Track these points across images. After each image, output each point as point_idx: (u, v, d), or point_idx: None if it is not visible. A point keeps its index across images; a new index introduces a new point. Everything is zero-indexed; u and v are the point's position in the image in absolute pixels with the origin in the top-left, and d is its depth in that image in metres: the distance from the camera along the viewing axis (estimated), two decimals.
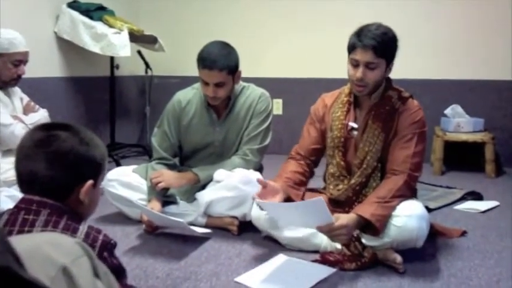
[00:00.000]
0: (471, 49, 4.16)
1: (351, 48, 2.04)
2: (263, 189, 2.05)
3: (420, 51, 4.24)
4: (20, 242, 0.40)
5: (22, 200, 1.15)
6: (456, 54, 4.21)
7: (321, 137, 2.28)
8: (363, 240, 2.03)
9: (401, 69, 3.90)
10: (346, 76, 2.11)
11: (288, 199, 2.10)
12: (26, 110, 2.78)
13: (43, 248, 0.69)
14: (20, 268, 0.37)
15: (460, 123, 3.94)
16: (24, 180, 1.16)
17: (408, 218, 1.95)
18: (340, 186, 2.18)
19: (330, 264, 2.01)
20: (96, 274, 0.75)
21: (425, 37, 4.24)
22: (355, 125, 2.16)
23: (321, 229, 1.88)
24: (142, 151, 4.46)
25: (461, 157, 4.06)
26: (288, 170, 2.23)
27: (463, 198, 3.13)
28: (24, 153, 1.16)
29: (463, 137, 3.88)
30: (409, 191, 2.08)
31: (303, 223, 2.03)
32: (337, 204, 2.15)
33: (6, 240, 0.38)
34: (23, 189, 1.17)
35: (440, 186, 3.42)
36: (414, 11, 4.26)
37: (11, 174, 2.45)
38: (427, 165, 3.96)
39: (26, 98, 2.85)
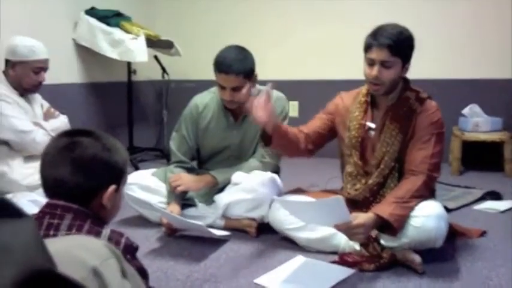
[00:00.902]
0: (489, 48, 4.12)
1: (367, 48, 2.05)
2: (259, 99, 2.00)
3: (438, 50, 4.22)
4: (50, 246, 0.42)
5: (47, 205, 1.18)
6: (474, 53, 4.17)
7: (329, 125, 2.29)
8: (382, 241, 2.03)
9: (419, 69, 3.89)
10: (362, 77, 2.12)
11: (264, 133, 2.10)
12: (47, 116, 2.84)
13: (74, 251, 0.71)
14: (56, 269, 0.39)
15: (478, 123, 3.91)
16: (49, 185, 1.19)
17: (426, 218, 1.95)
18: (358, 186, 2.19)
19: (349, 265, 2.02)
20: (124, 275, 0.77)
21: (443, 36, 4.22)
22: (372, 125, 2.17)
23: (338, 227, 1.90)
24: (160, 155, 4.51)
25: (480, 157, 4.03)
26: (288, 127, 2.22)
27: (482, 198, 3.11)
28: (49, 160, 1.19)
29: (482, 136, 3.85)
30: (427, 192, 2.08)
31: (321, 221, 2.05)
32: (355, 205, 2.15)
33: (42, 242, 0.40)
34: (47, 194, 1.20)
35: (459, 186, 3.40)
36: (432, 11, 4.24)
37: (33, 180, 2.51)
38: (445, 165, 3.94)
39: (46, 105, 2.91)
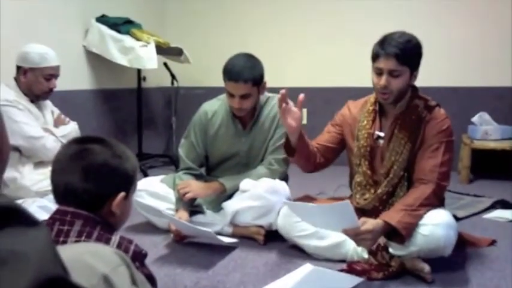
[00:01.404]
0: (499, 56, 4.11)
1: (375, 57, 2.05)
2: (284, 105, 2.03)
3: (446, 58, 4.21)
4: (62, 253, 0.43)
5: (57, 211, 1.19)
6: (483, 61, 4.16)
7: (339, 138, 2.29)
8: (390, 250, 2.03)
9: (428, 76, 3.89)
10: (370, 85, 2.12)
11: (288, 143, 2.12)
12: (57, 123, 2.86)
13: (84, 258, 0.72)
14: (69, 277, 0.40)
15: (487, 131, 3.89)
16: (60, 192, 1.20)
17: (435, 226, 1.94)
18: (367, 196, 2.18)
19: (357, 273, 2.01)
20: (134, 282, 0.78)
21: (452, 44, 4.21)
22: (381, 134, 2.16)
23: (346, 232, 1.89)
24: (169, 161, 4.52)
25: (489, 165, 4.00)
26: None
27: (491, 207, 3.09)
28: (59, 166, 1.20)
29: (491, 144, 3.83)
30: (436, 201, 2.07)
31: (328, 225, 2.05)
32: (364, 214, 2.15)
33: (56, 250, 0.41)
34: (58, 200, 1.21)
35: (468, 195, 3.38)
36: (441, 19, 4.24)
37: (44, 185, 2.53)
38: (455, 174, 3.92)
39: (56, 111, 2.93)
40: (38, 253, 0.38)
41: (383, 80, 2.02)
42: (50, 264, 0.39)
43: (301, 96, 2.05)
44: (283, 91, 2.02)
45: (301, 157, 2.17)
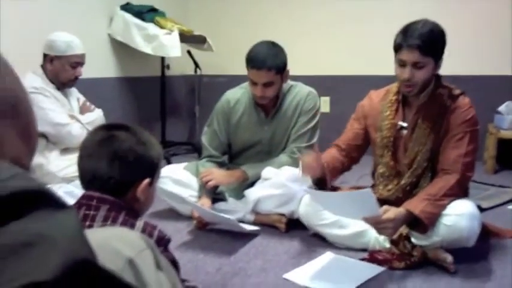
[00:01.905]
0: None
1: (397, 48, 2.01)
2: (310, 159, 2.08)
3: (474, 46, 4.13)
4: (89, 236, 0.45)
5: (83, 196, 1.22)
6: (511, 49, 4.07)
7: (363, 134, 2.27)
8: (413, 239, 2.02)
9: (454, 65, 3.83)
10: (394, 73, 2.10)
11: (320, 180, 2.14)
12: (83, 110, 2.91)
13: (110, 242, 0.74)
14: (97, 261, 0.41)
15: None
16: (86, 177, 1.23)
17: (459, 217, 1.92)
18: (390, 187, 2.17)
19: (379, 263, 2.01)
20: (159, 266, 0.79)
21: (479, 32, 4.13)
22: (404, 124, 2.14)
23: (367, 220, 1.88)
24: (192, 149, 4.56)
25: None
26: (328, 155, 2.25)
27: None
28: (86, 152, 1.23)
29: None
30: (461, 191, 2.04)
31: (349, 213, 2.03)
32: (386, 204, 2.14)
33: (84, 234, 0.42)
34: (84, 186, 1.24)
35: (493, 185, 3.33)
36: (469, 6, 4.15)
37: (70, 171, 2.57)
38: (480, 164, 3.86)
39: (82, 98, 2.98)
40: (66, 236, 0.39)
41: (406, 72, 1.98)
42: (78, 247, 0.40)
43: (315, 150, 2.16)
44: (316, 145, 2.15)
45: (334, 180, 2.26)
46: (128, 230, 0.86)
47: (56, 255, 0.37)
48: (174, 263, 1.28)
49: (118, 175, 1.20)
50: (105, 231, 0.86)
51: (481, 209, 2.55)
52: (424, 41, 1.94)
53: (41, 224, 0.39)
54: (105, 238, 0.75)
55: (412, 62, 1.97)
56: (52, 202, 0.42)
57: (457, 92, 2.11)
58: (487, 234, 2.25)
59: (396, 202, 2.12)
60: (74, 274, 0.37)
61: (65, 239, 0.39)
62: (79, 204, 1.21)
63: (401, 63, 2.01)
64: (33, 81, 2.68)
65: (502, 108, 3.90)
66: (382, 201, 2.16)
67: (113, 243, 0.74)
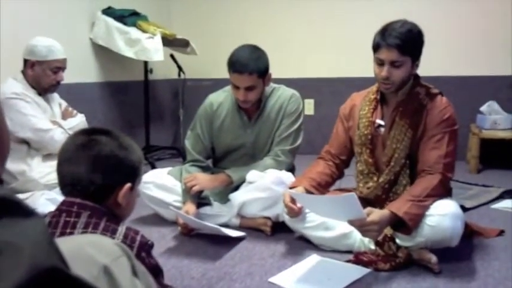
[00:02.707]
0: (508, 44, 4.07)
1: (376, 48, 2.04)
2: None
3: (455, 47, 4.18)
4: (62, 244, 0.43)
5: (63, 203, 1.20)
6: (492, 49, 4.12)
7: (348, 136, 2.29)
8: (397, 240, 2.02)
9: (436, 66, 3.87)
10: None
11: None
12: (65, 115, 2.87)
13: (85, 249, 0.73)
14: (66, 268, 0.40)
15: (496, 120, 3.86)
16: (66, 183, 1.21)
17: (442, 217, 1.93)
18: (370, 184, 2.18)
19: (364, 264, 2.01)
20: (135, 273, 0.78)
21: (461, 33, 4.18)
22: (382, 122, 2.16)
23: (352, 223, 1.89)
24: (177, 153, 4.54)
25: (498, 155, 3.97)
26: (314, 171, 2.26)
27: (500, 197, 3.07)
28: (66, 157, 1.21)
29: (500, 134, 3.80)
30: (444, 191, 2.06)
31: (334, 216, 2.05)
32: (368, 204, 2.15)
33: (52, 241, 0.41)
34: (64, 191, 1.22)
35: (476, 185, 3.36)
36: (449, 7, 4.20)
37: (52, 178, 2.54)
38: (463, 163, 3.91)
39: (64, 104, 2.95)
40: (34, 244, 0.38)
41: (384, 71, 2.01)
42: (46, 255, 0.39)
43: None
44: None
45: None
46: (104, 237, 0.84)
47: (22, 264, 0.36)
48: (158, 269, 1.27)
49: (99, 180, 1.19)
50: (79, 238, 0.85)
51: (465, 209, 2.58)
52: (403, 40, 1.97)
53: (7, 232, 0.38)
54: (80, 245, 0.74)
55: (390, 60, 2.00)
56: (20, 210, 0.41)
57: (435, 91, 2.14)
58: (470, 234, 2.27)
59: (376, 200, 2.14)
60: (41, 282, 0.36)
61: (31, 247, 0.38)
62: (59, 211, 1.19)
63: (379, 62, 2.04)
64: (13, 87, 2.65)
65: (484, 108, 3.95)
66: (362, 200, 2.17)
67: (88, 250, 0.73)
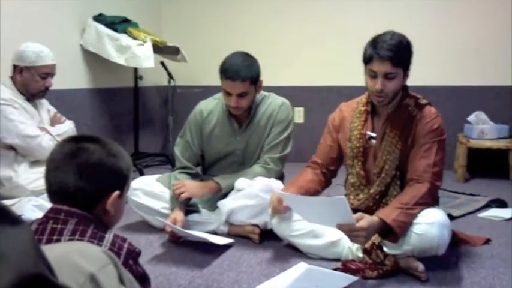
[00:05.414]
0: (495, 55, 4.12)
1: (368, 60, 2.04)
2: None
3: (443, 57, 4.22)
4: (49, 251, 0.43)
5: (51, 210, 1.20)
6: (480, 60, 4.17)
7: (336, 147, 2.30)
8: (385, 248, 2.03)
9: (425, 75, 3.90)
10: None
11: None
12: (53, 122, 2.86)
13: (71, 257, 0.72)
14: (51, 276, 0.40)
15: (483, 130, 3.90)
16: (54, 190, 1.20)
17: (429, 225, 1.94)
18: (361, 196, 2.19)
19: (352, 272, 2.01)
20: (122, 281, 0.78)
21: (448, 43, 4.22)
22: (373, 134, 2.17)
23: (340, 227, 1.89)
24: (166, 160, 4.52)
25: (485, 164, 4.01)
26: (302, 179, 2.27)
27: (487, 206, 3.09)
28: (54, 165, 1.21)
29: (487, 143, 3.84)
30: (431, 199, 2.08)
31: (322, 219, 2.02)
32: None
33: (38, 249, 0.41)
34: (52, 199, 1.22)
35: (464, 194, 3.39)
36: (438, 18, 4.25)
37: (39, 184, 2.52)
38: (451, 173, 3.94)
39: (53, 110, 2.93)
40: (19, 251, 0.38)
41: (379, 83, 2.02)
42: (31, 262, 0.39)
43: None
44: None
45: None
46: (91, 245, 0.84)
47: (8, 271, 0.36)
48: (145, 276, 1.26)
49: (86, 187, 1.18)
50: (66, 246, 0.84)
51: (452, 217, 2.60)
52: (395, 52, 1.98)
53: None
54: (66, 253, 0.73)
55: (383, 73, 2.01)
56: (6, 218, 0.41)
57: (423, 101, 2.16)
58: (457, 242, 2.28)
59: (366, 211, 2.14)
60: None
61: (17, 255, 0.38)
62: (46, 217, 1.19)
63: (372, 74, 2.04)
64: (2, 92, 2.63)
65: (471, 118, 3.99)
66: (352, 211, 2.18)
67: (74, 258, 0.73)
